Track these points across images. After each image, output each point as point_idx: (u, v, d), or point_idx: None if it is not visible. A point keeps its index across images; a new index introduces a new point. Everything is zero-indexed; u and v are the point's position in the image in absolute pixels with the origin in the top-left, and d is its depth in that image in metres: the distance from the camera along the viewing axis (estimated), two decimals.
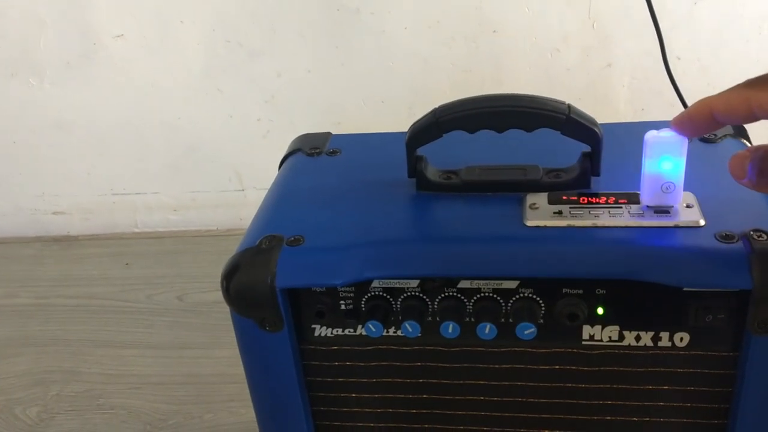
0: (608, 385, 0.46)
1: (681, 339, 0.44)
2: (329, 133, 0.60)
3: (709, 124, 0.40)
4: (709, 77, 0.96)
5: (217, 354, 0.84)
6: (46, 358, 0.86)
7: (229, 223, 1.12)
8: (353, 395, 0.50)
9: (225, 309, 0.96)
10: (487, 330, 0.43)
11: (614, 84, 0.98)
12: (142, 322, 0.92)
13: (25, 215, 1.14)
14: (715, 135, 0.53)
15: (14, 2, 0.97)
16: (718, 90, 1.05)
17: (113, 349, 0.87)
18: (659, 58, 0.89)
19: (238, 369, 0.81)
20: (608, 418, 0.47)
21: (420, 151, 0.49)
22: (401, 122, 1.03)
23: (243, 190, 1.10)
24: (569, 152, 0.49)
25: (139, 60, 0.99)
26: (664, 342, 0.44)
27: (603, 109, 0.99)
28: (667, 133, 0.42)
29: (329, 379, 0.49)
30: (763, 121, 0.39)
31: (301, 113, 1.02)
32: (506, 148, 0.51)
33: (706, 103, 0.39)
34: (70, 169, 1.09)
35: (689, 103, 0.81)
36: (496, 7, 0.93)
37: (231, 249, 1.18)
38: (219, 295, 0.96)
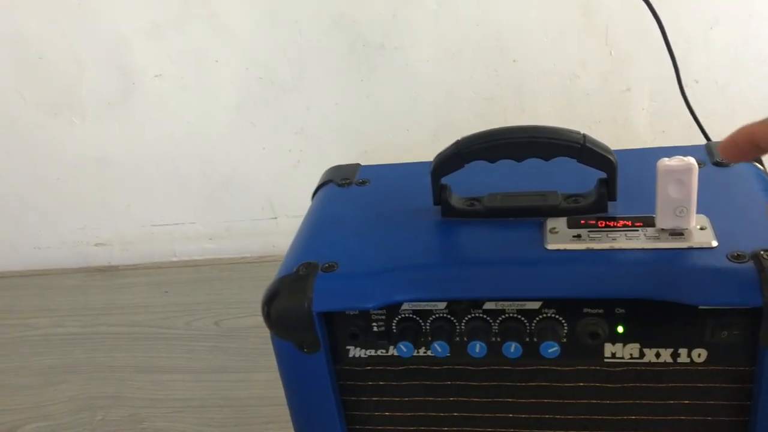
0: (630, 401, 0.48)
1: (699, 355, 0.46)
2: (358, 165, 0.64)
3: (752, 149, 0.40)
4: (728, 99, 0.98)
5: (254, 377, 0.87)
6: (92, 384, 0.90)
7: (262, 250, 1.16)
8: (386, 413, 0.52)
9: (261, 333, 0.99)
10: (512, 349, 0.46)
11: (634, 107, 1.00)
12: (182, 347, 0.95)
13: (68, 247, 1.19)
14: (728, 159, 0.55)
15: (57, 45, 1.03)
16: (737, 111, 1.06)
17: (155, 375, 0.90)
18: (677, 80, 0.92)
19: (276, 392, 0.84)
20: None
21: (444, 180, 0.52)
22: (426, 150, 1.06)
23: (275, 218, 1.14)
24: (586, 178, 0.52)
25: (176, 98, 1.04)
26: (683, 358, 0.46)
27: (623, 132, 1.01)
28: (677, 161, 0.44)
29: (363, 398, 0.52)
30: None
31: (330, 143, 1.06)
32: (525, 175, 0.54)
33: (749, 130, 0.40)
34: (110, 203, 1.14)
35: (705, 126, 0.84)
36: (516, 37, 0.96)
37: (265, 275, 1.20)
38: (255, 320, 1.00)
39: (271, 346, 0.93)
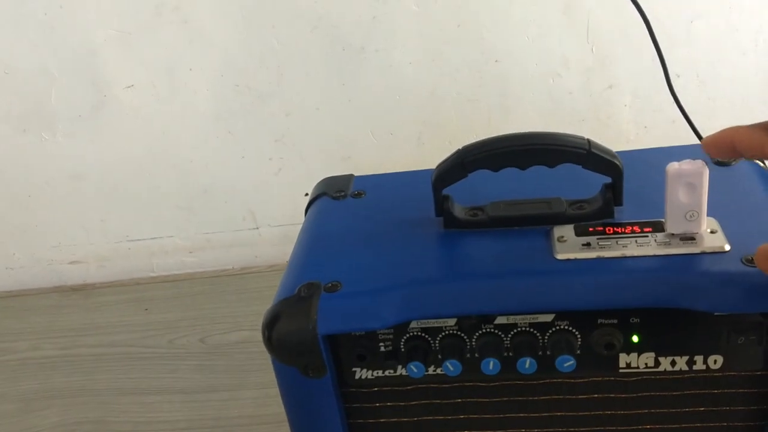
0: (646, 410, 0.47)
1: (715, 361, 0.45)
2: (352, 176, 0.62)
3: (730, 152, 0.41)
4: (709, 91, 0.98)
5: (243, 395, 0.85)
6: (75, 409, 0.86)
7: (245, 261, 1.13)
8: None
9: (248, 349, 0.97)
10: (527, 365, 0.44)
11: (616, 104, 1.00)
12: (167, 367, 0.92)
13: (42, 266, 1.15)
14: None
15: (24, 58, 0.99)
16: (718, 105, 1.06)
17: (140, 396, 0.87)
18: (658, 76, 0.91)
19: (266, 410, 0.83)
20: None
21: (445, 190, 0.51)
22: (410, 153, 1.05)
23: (257, 228, 1.11)
24: (589, 182, 0.51)
25: (150, 108, 1.01)
26: (699, 365, 0.45)
27: (607, 129, 1.01)
28: (688, 165, 0.43)
29: (371, 421, 0.50)
30: None
31: (312, 150, 1.04)
32: (526, 182, 0.52)
33: (731, 133, 0.41)
34: (85, 219, 1.10)
35: (693, 119, 0.83)
36: (498, 37, 0.95)
37: (248, 287, 1.18)
38: (241, 335, 0.97)
39: (259, 362, 0.91)
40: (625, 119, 1.01)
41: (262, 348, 1.00)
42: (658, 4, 0.91)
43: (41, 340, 1.01)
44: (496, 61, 0.96)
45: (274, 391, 0.86)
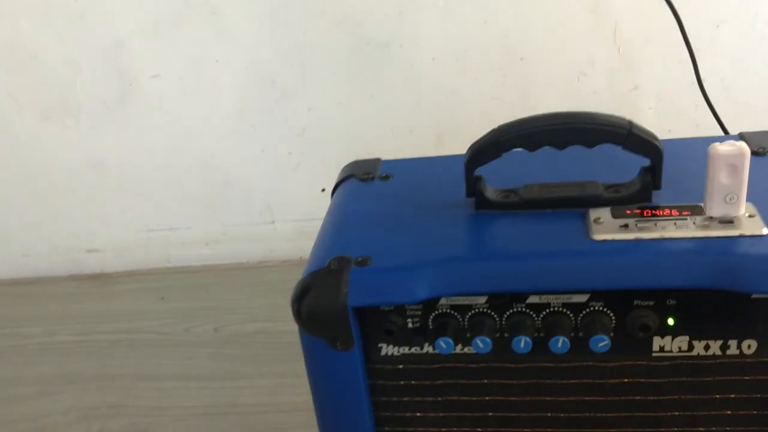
0: (677, 396, 0.46)
1: (749, 346, 0.44)
2: (379, 159, 0.62)
3: None
4: (733, 97, 0.98)
5: (258, 383, 0.85)
6: (89, 393, 0.86)
7: (260, 255, 1.13)
8: (419, 414, 0.50)
9: (262, 339, 0.97)
10: (560, 344, 0.44)
11: (641, 106, 0.99)
12: (182, 354, 0.92)
13: (60, 254, 1.15)
14: (764, 148, 0.54)
15: (50, 46, 1.00)
16: (741, 111, 1.05)
17: (155, 382, 0.87)
18: (684, 80, 0.91)
19: (280, 398, 0.82)
20: (675, 429, 0.48)
21: (476, 172, 0.50)
22: (429, 151, 1.04)
23: (273, 222, 1.11)
24: (624, 167, 0.50)
25: (174, 100, 1.01)
26: (732, 350, 0.45)
27: None
28: (730, 146, 0.43)
29: (395, 399, 0.49)
30: None
31: (331, 145, 1.04)
32: (561, 165, 0.52)
33: None
34: (105, 208, 1.11)
35: (709, 124, 0.83)
36: (523, 36, 0.95)
37: (263, 280, 1.18)
38: (256, 326, 0.97)
39: (273, 352, 0.91)
40: (650, 121, 1.00)
41: (276, 339, 0.99)
42: (683, 8, 0.91)
43: (58, 326, 1.01)
44: (521, 59, 0.96)
45: (288, 380, 0.86)
